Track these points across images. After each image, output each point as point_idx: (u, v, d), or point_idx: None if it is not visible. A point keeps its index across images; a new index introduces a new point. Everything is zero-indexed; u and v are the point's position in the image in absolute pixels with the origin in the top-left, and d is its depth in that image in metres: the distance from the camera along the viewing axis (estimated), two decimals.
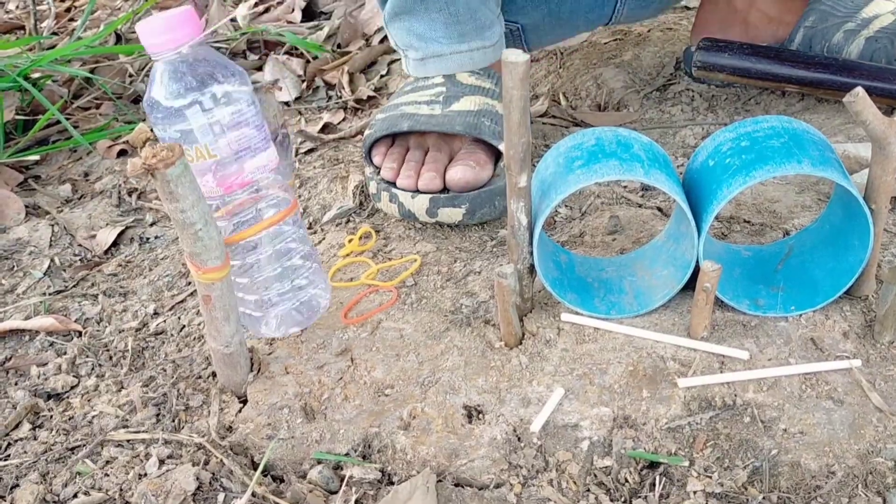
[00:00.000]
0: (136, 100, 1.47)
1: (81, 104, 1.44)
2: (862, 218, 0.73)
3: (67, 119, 1.34)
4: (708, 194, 0.74)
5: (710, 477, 0.66)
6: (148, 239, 1.09)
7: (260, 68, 1.54)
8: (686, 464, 0.67)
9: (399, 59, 1.49)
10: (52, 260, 1.06)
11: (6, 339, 0.92)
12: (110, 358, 0.87)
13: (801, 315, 0.77)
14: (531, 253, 0.77)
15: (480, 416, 0.73)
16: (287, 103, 1.42)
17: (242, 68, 0.74)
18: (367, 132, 1.03)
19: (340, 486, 0.68)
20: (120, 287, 1.00)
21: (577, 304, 0.79)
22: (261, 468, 0.69)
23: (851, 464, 0.66)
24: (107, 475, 0.71)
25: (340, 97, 1.42)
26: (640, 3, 1.20)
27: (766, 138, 0.74)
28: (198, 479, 0.68)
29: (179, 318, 0.92)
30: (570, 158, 0.76)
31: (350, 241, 0.97)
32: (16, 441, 0.77)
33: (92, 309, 0.95)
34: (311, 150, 1.23)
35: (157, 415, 0.77)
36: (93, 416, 0.78)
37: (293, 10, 1.74)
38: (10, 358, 0.89)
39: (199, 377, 0.81)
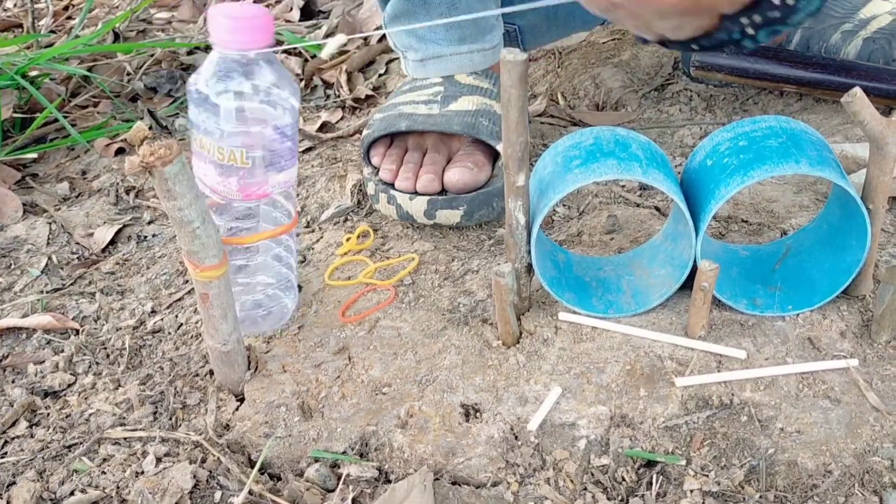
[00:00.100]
0: (134, 98, 1.47)
1: (79, 102, 1.43)
2: (859, 218, 0.73)
3: (65, 117, 1.34)
4: (706, 194, 0.74)
5: (707, 476, 0.66)
6: (145, 237, 1.09)
7: None
8: (683, 463, 0.67)
9: (397, 59, 1.49)
10: (49, 258, 1.05)
11: (3, 336, 0.92)
12: (107, 356, 0.87)
13: (798, 314, 0.77)
14: (529, 252, 0.77)
15: (478, 414, 0.73)
16: None
17: (297, 85, 0.73)
18: (365, 132, 1.03)
19: (338, 484, 0.68)
20: (117, 285, 0.99)
21: (574, 303, 0.79)
22: (258, 466, 0.69)
23: (848, 463, 0.66)
24: (104, 473, 0.71)
25: (339, 96, 1.42)
26: None
27: (764, 138, 0.74)
28: (195, 476, 0.68)
29: (177, 316, 0.92)
30: (568, 158, 0.77)
31: (348, 239, 0.97)
32: (13, 439, 0.77)
33: (89, 307, 0.95)
34: (309, 149, 1.23)
35: (155, 413, 0.77)
36: (90, 414, 0.78)
37: (291, 8, 1.74)
38: (8, 356, 0.89)
39: (197, 375, 0.81)
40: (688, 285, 0.76)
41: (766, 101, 1.18)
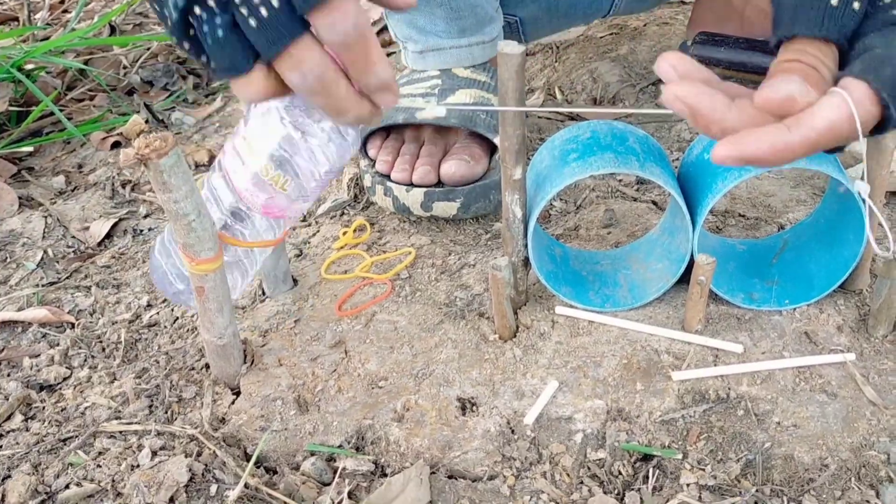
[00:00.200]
0: (131, 91, 1.46)
1: (75, 96, 1.43)
2: (856, 212, 0.73)
3: (61, 110, 1.33)
4: (703, 188, 0.74)
5: (704, 469, 0.66)
6: (141, 231, 1.08)
7: None
8: (679, 456, 0.67)
9: (395, 52, 1.48)
10: (45, 251, 1.05)
11: None
12: (103, 349, 0.87)
13: (795, 309, 0.77)
14: (526, 246, 0.76)
15: (474, 408, 0.72)
16: None
17: (357, 134, 0.72)
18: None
19: (334, 477, 0.68)
20: (113, 279, 0.99)
21: (571, 297, 0.79)
22: (253, 459, 0.69)
23: (845, 457, 0.66)
24: (99, 466, 0.71)
25: None
26: None
27: None
28: (190, 470, 0.68)
29: (173, 310, 0.91)
30: (565, 151, 0.76)
31: (344, 233, 0.97)
32: (8, 432, 0.77)
33: (85, 301, 0.95)
34: None
35: (150, 406, 0.77)
36: (85, 408, 0.78)
37: None
38: (3, 349, 0.89)
39: (193, 369, 0.81)
40: (685, 279, 0.76)
41: None
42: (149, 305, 0.93)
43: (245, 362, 0.79)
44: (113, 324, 0.90)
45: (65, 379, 0.83)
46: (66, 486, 0.69)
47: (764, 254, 0.83)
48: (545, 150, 0.80)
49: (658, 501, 0.64)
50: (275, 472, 0.70)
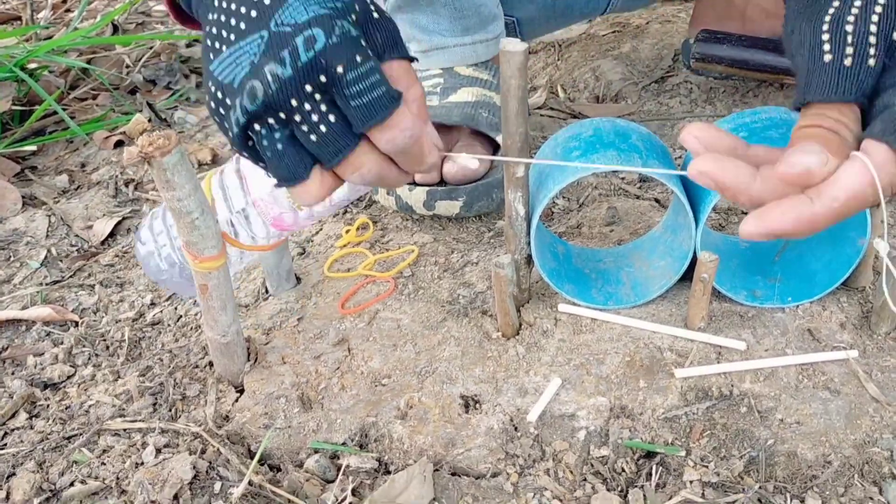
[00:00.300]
0: (133, 91, 1.46)
1: (78, 95, 1.43)
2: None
3: (64, 110, 1.33)
4: None
5: (707, 466, 0.66)
6: None
7: None
8: (682, 453, 0.67)
9: None
10: (48, 250, 1.05)
11: (3, 328, 0.92)
12: (107, 348, 0.87)
13: (798, 306, 0.77)
14: (529, 243, 0.77)
15: (477, 405, 0.73)
16: None
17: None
18: None
19: (337, 475, 0.68)
20: (117, 277, 0.99)
21: (574, 294, 0.79)
22: (257, 457, 0.69)
23: (848, 454, 0.66)
24: (103, 464, 0.71)
25: None
26: None
27: (765, 129, 0.74)
28: (194, 467, 0.68)
29: (176, 308, 0.92)
30: (567, 149, 0.76)
31: (347, 231, 0.97)
32: (12, 430, 0.77)
33: (89, 299, 0.95)
34: None
35: (154, 404, 0.77)
36: (89, 406, 0.78)
37: None
38: (7, 348, 0.89)
39: (196, 367, 0.81)
40: (687, 277, 0.76)
41: (766, 94, 1.18)
42: (152, 304, 0.93)
43: (248, 360, 0.79)
44: (116, 322, 0.91)
45: (69, 377, 0.83)
46: (71, 484, 0.69)
47: (767, 251, 0.83)
48: (548, 147, 0.80)
49: (661, 498, 0.65)
50: (278, 470, 0.70)
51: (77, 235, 1.09)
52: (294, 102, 0.55)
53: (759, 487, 0.64)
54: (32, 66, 1.40)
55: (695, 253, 0.74)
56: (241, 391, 0.77)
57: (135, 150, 0.62)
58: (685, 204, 0.73)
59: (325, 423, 0.73)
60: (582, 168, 0.73)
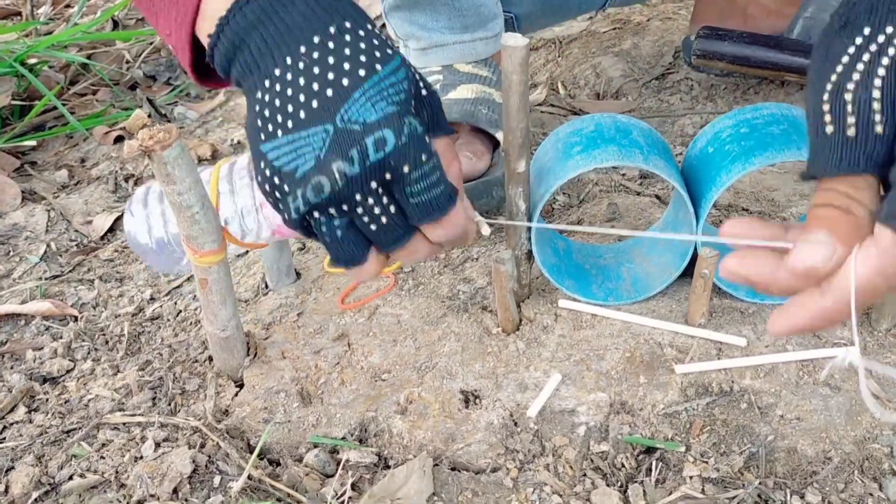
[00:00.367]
0: (133, 86, 1.46)
1: (78, 90, 1.43)
2: None
3: (64, 105, 1.33)
4: (707, 180, 0.74)
5: (707, 462, 0.66)
6: None
7: None
8: (682, 449, 0.67)
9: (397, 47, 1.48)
10: (48, 245, 1.05)
11: (2, 323, 0.92)
12: (106, 342, 0.87)
13: None
14: (529, 239, 0.76)
15: (477, 400, 0.72)
16: None
17: None
18: None
19: (337, 469, 0.68)
20: (116, 272, 0.99)
21: (574, 290, 0.79)
22: (257, 451, 0.69)
23: (848, 450, 0.66)
24: (102, 458, 0.71)
25: None
26: None
27: (766, 125, 0.74)
28: (194, 461, 0.68)
29: (176, 303, 0.91)
30: (568, 144, 0.76)
31: None
32: (11, 424, 0.77)
33: (88, 294, 0.95)
34: None
35: (154, 398, 0.77)
36: (89, 400, 0.78)
37: None
38: (6, 342, 0.89)
39: (196, 361, 0.81)
40: (688, 273, 0.76)
41: (767, 91, 1.18)
42: (152, 299, 0.93)
43: (248, 355, 0.79)
44: (116, 317, 0.91)
45: (68, 371, 0.83)
46: (70, 478, 0.69)
47: None
48: (548, 143, 0.80)
49: (661, 494, 0.64)
50: (278, 464, 0.70)
51: (76, 230, 1.09)
52: (358, 197, 0.57)
53: (759, 483, 0.64)
54: (32, 61, 1.40)
55: (695, 249, 0.74)
56: (241, 386, 0.77)
57: (135, 143, 0.62)
58: (686, 200, 0.73)
59: (325, 417, 0.73)
60: (583, 164, 0.73)
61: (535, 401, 0.71)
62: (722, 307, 0.77)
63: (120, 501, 0.66)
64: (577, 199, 0.99)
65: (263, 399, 0.75)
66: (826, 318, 0.48)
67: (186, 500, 0.66)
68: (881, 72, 0.47)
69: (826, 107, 0.49)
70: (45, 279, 0.99)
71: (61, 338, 0.88)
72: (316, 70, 0.56)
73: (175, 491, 0.66)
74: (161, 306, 0.91)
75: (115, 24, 1.62)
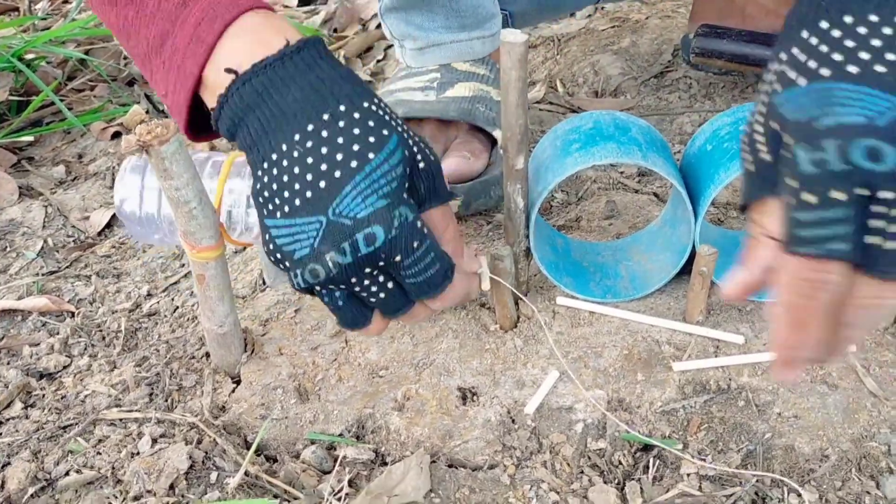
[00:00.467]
0: (131, 82, 1.46)
1: (76, 86, 1.42)
2: None
3: (62, 100, 1.33)
4: (705, 178, 0.74)
5: (704, 460, 0.66)
6: None
7: None
8: (680, 447, 0.67)
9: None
10: (45, 241, 1.05)
11: None
12: (103, 338, 0.87)
13: None
14: (527, 236, 0.76)
15: (475, 397, 0.72)
16: None
17: None
18: None
19: (334, 466, 0.68)
20: (113, 268, 0.99)
21: (572, 287, 0.79)
22: (254, 447, 0.69)
23: (845, 448, 0.66)
24: (99, 453, 0.70)
25: None
26: None
27: None
28: (191, 457, 0.68)
29: (173, 299, 0.91)
30: (567, 141, 0.76)
31: None
32: (8, 420, 0.76)
33: (85, 290, 0.95)
34: None
35: (150, 394, 0.77)
36: (85, 396, 0.78)
37: None
38: (3, 338, 0.88)
39: (193, 357, 0.81)
40: (686, 271, 0.76)
41: None
42: (149, 295, 0.93)
43: (245, 351, 0.79)
44: (113, 313, 0.90)
45: (65, 367, 0.83)
46: (66, 473, 0.69)
47: None
48: (547, 140, 0.80)
49: (658, 491, 0.64)
50: (275, 461, 0.70)
51: (74, 226, 1.08)
52: (354, 280, 0.59)
53: (757, 481, 0.64)
54: (30, 56, 1.40)
55: (694, 246, 0.74)
56: (238, 382, 0.77)
57: (133, 138, 0.62)
58: (685, 196, 0.73)
59: (322, 414, 0.73)
60: (581, 161, 0.72)
61: (532, 398, 0.71)
62: (720, 305, 0.77)
63: (116, 497, 0.66)
64: (575, 197, 0.99)
65: (260, 395, 0.75)
66: (795, 327, 0.50)
67: (183, 495, 0.65)
68: (762, 108, 0.51)
69: (745, 145, 0.54)
70: (42, 275, 0.99)
71: (58, 333, 0.87)
72: (309, 160, 0.57)
73: (171, 487, 0.66)
74: (158, 302, 0.91)
75: None
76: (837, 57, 0.47)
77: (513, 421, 0.70)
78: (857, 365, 0.71)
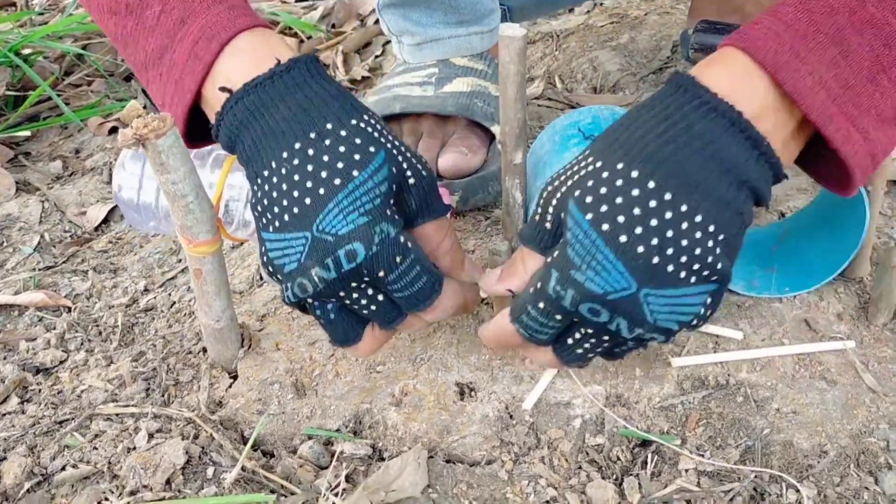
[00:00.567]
0: (128, 77, 1.46)
1: (73, 81, 1.42)
2: (858, 200, 0.73)
3: (59, 95, 1.33)
4: None
5: (703, 455, 0.66)
6: None
7: None
8: (678, 442, 0.67)
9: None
10: (42, 236, 1.05)
11: None
12: (100, 333, 0.86)
13: (795, 296, 0.77)
14: None
15: (472, 393, 0.72)
16: None
17: None
18: None
19: (331, 461, 0.68)
20: (110, 263, 0.99)
21: None
22: (251, 443, 0.69)
23: (844, 443, 0.66)
24: (95, 448, 0.70)
25: (334, 77, 1.41)
26: None
27: None
28: (187, 452, 0.67)
29: (170, 294, 0.91)
30: (566, 136, 0.76)
31: None
32: (4, 415, 0.76)
33: (82, 285, 0.95)
34: None
35: (147, 389, 0.77)
36: (81, 391, 0.77)
37: None
38: None
39: (190, 353, 0.81)
40: None
41: None
42: (146, 290, 0.93)
43: (242, 346, 0.78)
44: (110, 308, 0.90)
45: (61, 362, 0.83)
46: (62, 468, 0.69)
47: (764, 241, 0.83)
48: (546, 135, 0.80)
49: (656, 487, 0.64)
50: (272, 456, 0.70)
51: (70, 221, 1.08)
52: (342, 294, 0.60)
53: (755, 477, 0.64)
54: (27, 51, 1.39)
55: None
56: (235, 377, 0.77)
57: (129, 132, 0.61)
58: None
59: (319, 409, 0.72)
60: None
61: (530, 393, 0.71)
62: None
63: (113, 492, 0.65)
64: None
65: (257, 390, 0.74)
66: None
67: (179, 490, 0.65)
68: (566, 188, 0.56)
69: (537, 198, 0.60)
70: (39, 270, 0.98)
71: (54, 328, 0.87)
72: (296, 177, 0.58)
73: (168, 482, 0.66)
74: (155, 297, 0.91)
75: None
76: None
77: (511, 416, 0.70)
78: (855, 361, 0.71)
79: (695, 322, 0.56)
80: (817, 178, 0.61)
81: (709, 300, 0.55)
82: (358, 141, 0.60)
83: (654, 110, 0.55)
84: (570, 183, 0.56)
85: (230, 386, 0.76)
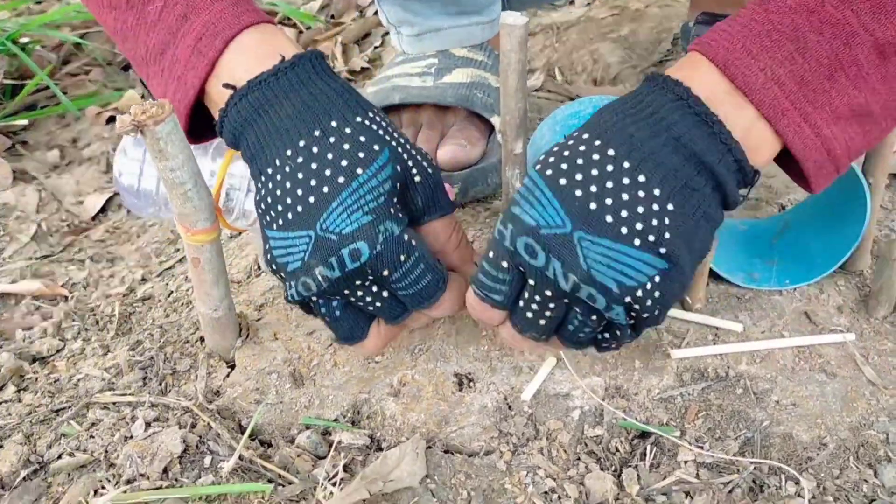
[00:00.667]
0: (126, 67, 1.45)
1: (71, 70, 1.42)
2: (859, 193, 0.73)
3: (56, 85, 1.32)
4: None
5: (702, 447, 0.66)
6: None
7: None
8: (677, 434, 0.67)
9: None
10: (39, 225, 1.04)
11: None
12: (97, 322, 0.86)
13: (795, 289, 0.77)
14: None
15: (471, 384, 0.72)
16: None
17: None
18: None
19: (329, 451, 0.68)
20: (107, 253, 0.98)
21: None
22: (248, 432, 0.68)
23: (843, 436, 0.66)
24: (92, 437, 0.70)
25: (333, 68, 1.41)
26: None
27: None
28: (184, 441, 0.67)
29: (167, 283, 0.91)
30: (567, 127, 0.76)
31: None
32: (0, 403, 0.76)
33: (79, 274, 0.94)
34: None
35: (144, 378, 0.76)
36: (78, 379, 0.77)
37: None
38: None
39: (187, 342, 0.80)
40: None
41: None
42: (143, 279, 0.92)
43: (240, 336, 0.78)
44: (107, 297, 0.90)
45: (58, 351, 0.82)
46: (59, 457, 0.68)
47: (765, 234, 0.83)
48: (546, 126, 0.79)
49: (655, 478, 0.64)
50: (269, 445, 0.70)
51: (68, 210, 1.08)
52: (347, 291, 0.60)
53: (754, 469, 0.64)
54: (25, 40, 1.39)
55: None
56: (233, 366, 0.77)
57: (128, 118, 0.61)
58: None
59: (317, 399, 0.72)
60: None
61: (529, 384, 0.70)
62: (718, 292, 0.77)
63: (109, 481, 0.65)
64: None
65: (255, 380, 0.74)
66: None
67: (176, 479, 0.65)
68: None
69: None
70: (36, 259, 0.98)
71: (51, 317, 0.87)
72: (300, 175, 0.58)
73: (165, 471, 0.66)
74: (152, 287, 0.90)
75: None
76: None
77: (509, 407, 0.70)
78: (855, 353, 0.71)
79: (640, 294, 0.54)
80: (791, 176, 0.62)
81: (657, 278, 0.54)
82: (362, 138, 0.59)
83: (616, 101, 0.59)
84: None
85: (228, 375, 0.76)
